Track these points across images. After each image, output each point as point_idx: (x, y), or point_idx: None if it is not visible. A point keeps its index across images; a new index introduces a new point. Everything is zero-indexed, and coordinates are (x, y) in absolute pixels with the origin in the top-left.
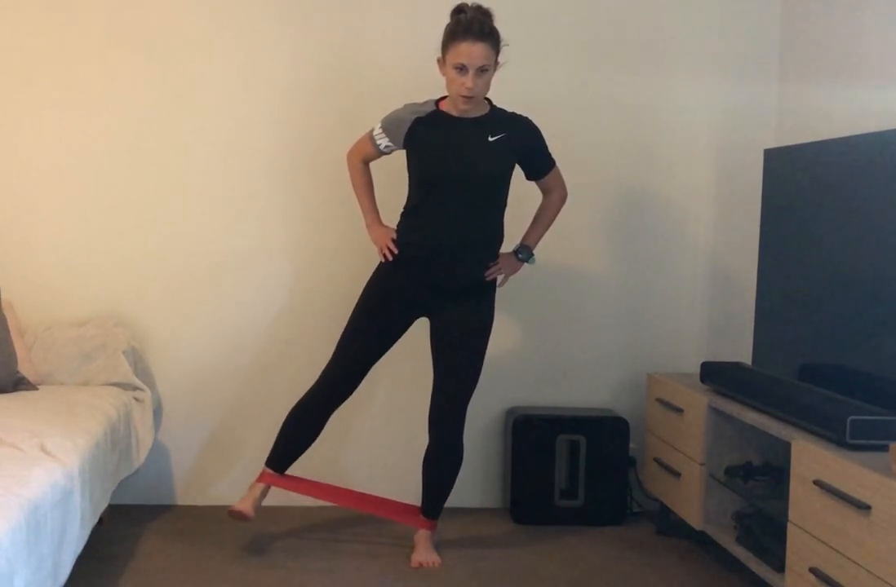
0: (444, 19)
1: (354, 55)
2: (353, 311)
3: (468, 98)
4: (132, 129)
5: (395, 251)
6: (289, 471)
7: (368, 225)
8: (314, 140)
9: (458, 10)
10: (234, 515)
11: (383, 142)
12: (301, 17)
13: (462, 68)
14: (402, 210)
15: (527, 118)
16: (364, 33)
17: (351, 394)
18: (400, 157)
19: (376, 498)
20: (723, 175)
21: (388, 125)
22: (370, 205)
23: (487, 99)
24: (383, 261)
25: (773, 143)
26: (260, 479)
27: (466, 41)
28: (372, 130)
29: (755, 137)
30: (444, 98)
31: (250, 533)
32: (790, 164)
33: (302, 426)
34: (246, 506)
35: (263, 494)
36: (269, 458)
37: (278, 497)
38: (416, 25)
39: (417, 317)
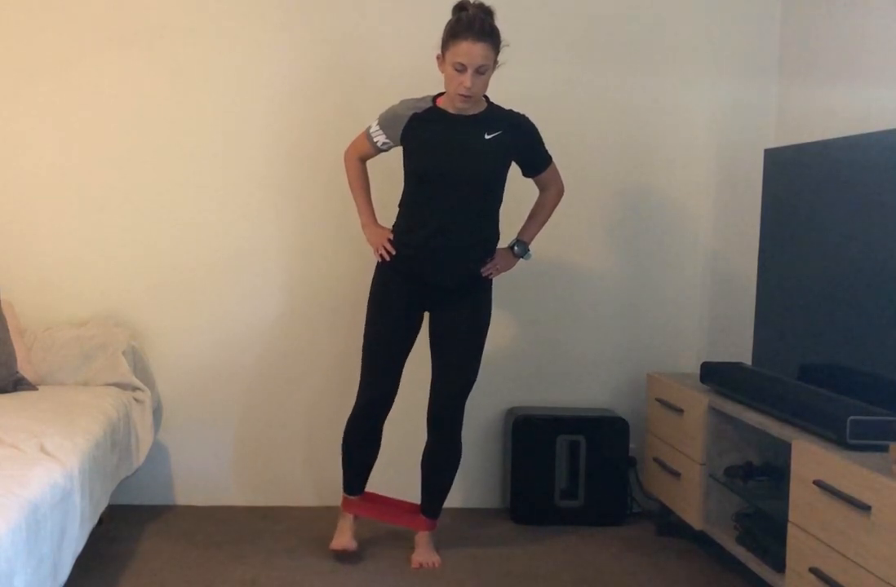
0: (443, 18)
1: (352, 55)
2: (367, 320)
3: (466, 97)
4: (131, 129)
5: (392, 252)
6: None
7: (364, 224)
8: (312, 140)
9: (460, 8)
10: (339, 554)
11: (380, 139)
12: (300, 17)
13: (461, 67)
14: (397, 207)
15: (523, 115)
16: (362, 33)
17: (393, 399)
18: (396, 155)
19: (379, 497)
20: (723, 175)
21: (385, 122)
22: (366, 204)
23: (485, 96)
24: (379, 261)
25: (773, 143)
26: (345, 509)
27: (467, 40)
28: (369, 128)
29: (755, 137)
30: (441, 94)
31: (250, 533)
32: (790, 164)
33: (361, 445)
34: (345, 542)
35: (355, 523)
36: (344, 486)
37: (279, 497)
38: (414, 24)
39: (423, 312)
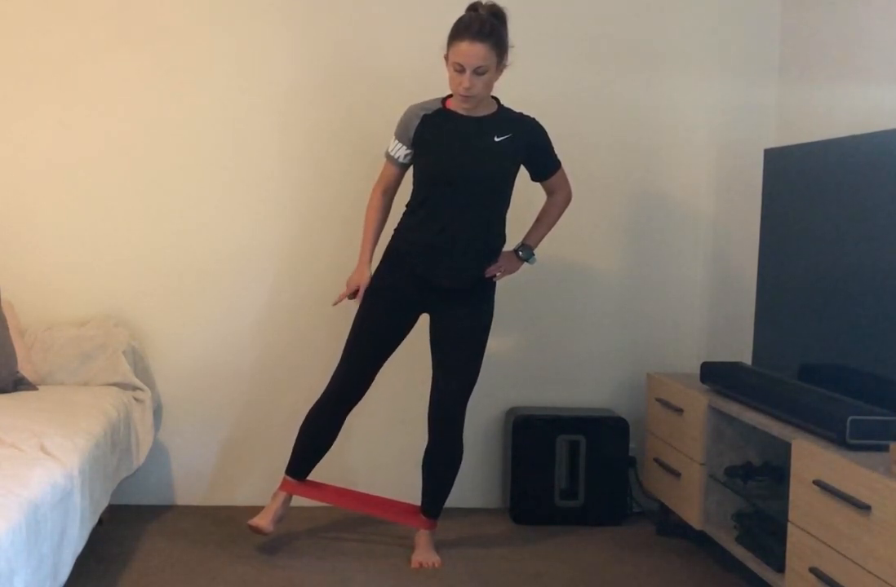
0: (450, 19)
1: (357, 56)
2: (358, 312)
3: (466, 98)
4: (133, 129)
5: (358, 298)
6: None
7: (359, 265)
8: (315, 140)
9: (472, 8)
10: (253, 530)
11: (400, 152)
12: (304, 17)
13: (460, 68)
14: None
15: (533, 119)
16: (367, 34)
17: (363, 395)
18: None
19: (379, 498)
20: (723, 175)
21: (399, 131)
22: (369, 244)
23: (496, 98)
24: (348, 298)
25: (773, 143)
26: (281, 488)
27: (465, 41)
28: (387, 149)
29: (755, 137)
30: (451, 96)
31: (250, 533)
32: (790, 164)
33: (318, 431)
34: (265, 522)
35: (286, 503)
36: (288, 466)
37: None
38: (420, 25)
39: (420, 314)
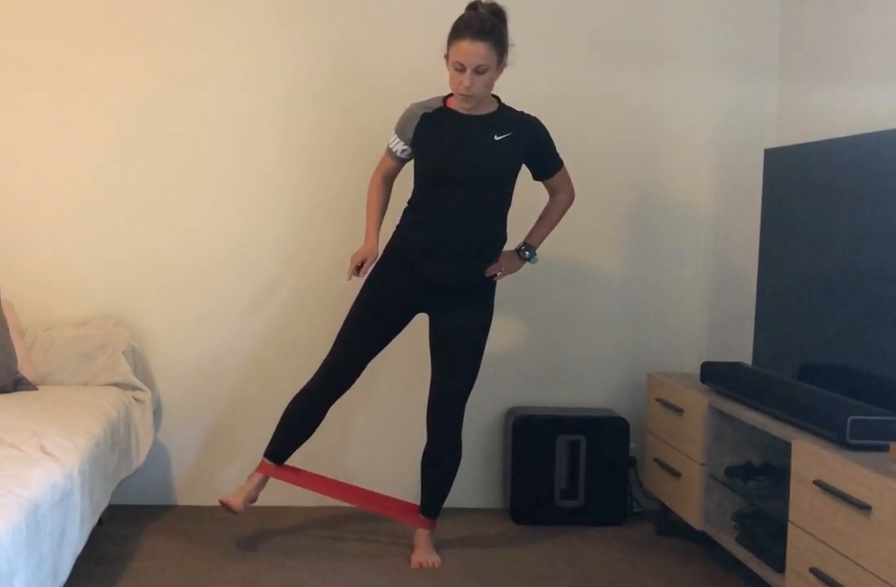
0: (450, 18)
1: (357, 56)
2: (353, 305)
3: (466, 97)
4: (133, 129)
5: (364, 274)
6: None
7: (366, 241)
8: (315, 140)
9: (472, 7)
10: (223, 506)
11: (398, 146)
12: (304, 17)
13: (460, 67)
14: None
15: (535, 118)
16: (367, 34)
17: (349, 387)
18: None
19: (376, 494)
20: (723, 175)
21: (399, 127)
22: (375, 222)
23: (496, 97)
24: (354, 275)
25: (773, 143)
26: (258, 470)
27: (465, 39)
28: (388, 143)
29: (755, 137)
30: (452, 94)
31: (250, 533)
32: (790, 164)
33: (301, 418)
34: (236, 501)
35: (261, 486)
36: (267, 449)
37: (279, 496)
38: (420, 25)
39: (416, 313)
